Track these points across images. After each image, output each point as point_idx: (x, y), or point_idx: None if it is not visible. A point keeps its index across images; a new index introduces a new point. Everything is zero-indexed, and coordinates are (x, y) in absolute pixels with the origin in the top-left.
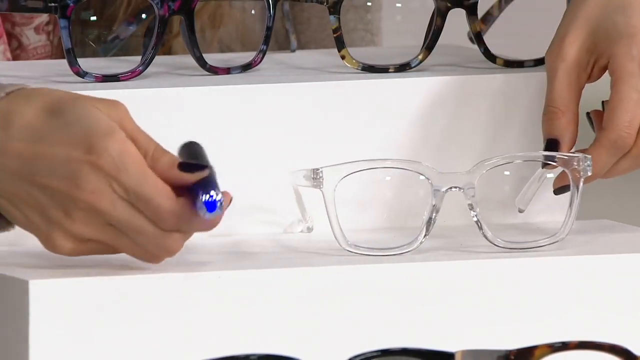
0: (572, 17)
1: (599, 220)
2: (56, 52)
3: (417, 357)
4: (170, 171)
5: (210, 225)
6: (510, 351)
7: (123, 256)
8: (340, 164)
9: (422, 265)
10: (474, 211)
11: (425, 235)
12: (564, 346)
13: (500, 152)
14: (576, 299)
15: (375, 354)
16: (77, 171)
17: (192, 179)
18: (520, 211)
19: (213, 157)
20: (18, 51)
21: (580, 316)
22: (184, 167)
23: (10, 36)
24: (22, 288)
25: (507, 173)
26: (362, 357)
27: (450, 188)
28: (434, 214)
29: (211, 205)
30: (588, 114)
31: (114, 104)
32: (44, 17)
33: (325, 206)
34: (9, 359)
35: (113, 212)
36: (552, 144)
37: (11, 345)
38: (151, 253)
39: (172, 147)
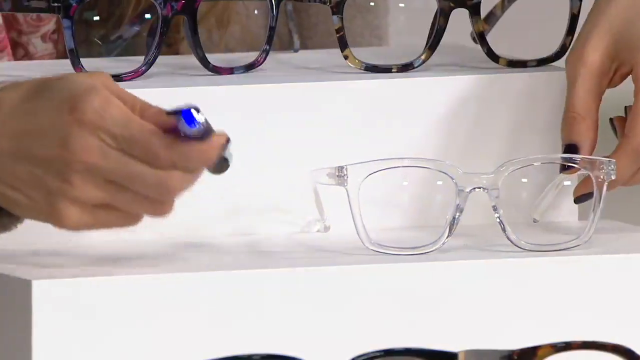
0: (595, 21)
1: (609, 221)
2: None
3: (420, 357)
4: (157, 118)
5: (203, 153)
6: (513, 351)
7: (135, 250)
8: (365, 162)
9: (444, 264)
10: (497, 212)
11: (448, 236)
12: (567, 346)
13: (516, 155)
14: (583, 299)
15: (378, 354)
16: (65, 134)
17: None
18: (535, 221)
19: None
20: (25, 59)
21: (588, 316)
22: (171, 113)
23: (17, 45)
24: (25, 288)
25: (529, 175)
26: (365, 357)
27: (474, 189)
28: (457, 214)
29: (188, 116)
30: (611, 119)
31: (97, 72)
32: (50, 25)
33: (350, 204)
34: (12, 359)
35: (107, 164)
36: (571, 149)
37: (14, 345)
38: (157, 201)
39: None
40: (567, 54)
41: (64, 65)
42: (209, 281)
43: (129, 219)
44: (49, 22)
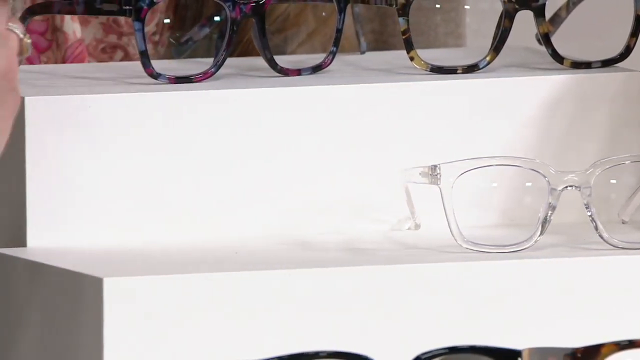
0: None
1: None
2: None
3: (485, 354)
4: None
5: None
6: (577, 349)
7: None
8: (458, 160)
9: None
10: (589, 210)
11: (540, 234)
12: (631, 344)
13: (571, 156)
14: None
15: (443, 351)
16: None
17: None
18: (624, 222)
19: (286, 156)
20: (125, 61)
21: None
22: None
23: (116, 47)
24: (96, 285)
25: (621, 173)
26: (429, 354)
27: (567, 187)
28: (549, 212)
29: None
30: None
31: None
32: (150, 27)
33: (443, 202)
34: (83, 357)
35: None
36: None
37: (85, 343)
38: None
39: (246, 148)
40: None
41: (137, 67)
42: (273, 279)
43: None
44: (150, 24)
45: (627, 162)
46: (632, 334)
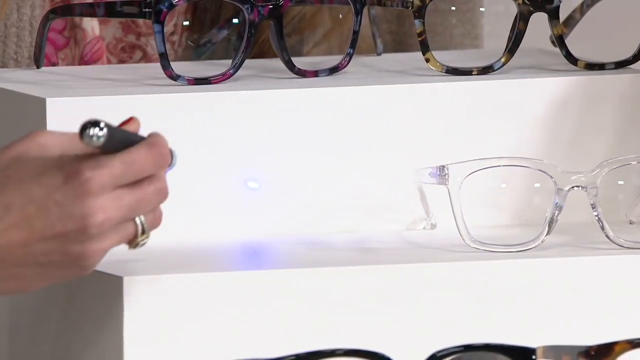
0: None
1: None
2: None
3: (499, 352)
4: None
5: (164, 148)
6: (590, 347)
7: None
8: (466, 161)
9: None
10: (596, 210)
11: (547, 234)
12: None
13: (584, 156)
14: None
15: (458, 349)
16: (71, 206)
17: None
18: (631, 222)
19: (304, 157)
20: (143, 61)
21: None
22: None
23: (135, 47)
24: (116, 284)
25: (628, 174)
26: (445, 352)
27: (573, 187)
28: (556, 212)
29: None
30: None
31: (30, 134)
32: (169, 27)
33: (451, 202)
34: (104, 356)
35: (118, 212)
36: None
37: (106, 342)
38: (157, 210)
39: (264, 148)
40: None
41: (157, 69)
42: (290, 278)
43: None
44: (168, 24)
45: (633, 163)
46: (636, 333)
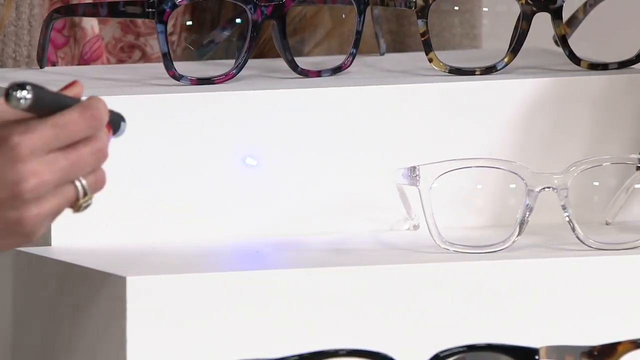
0: None
1: None
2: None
3: (502, 352)
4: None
5: (102, 109)
6: (593, 347)
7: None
8: (436, 162)
9: (515, 262)
10: (566, 212)
11: (518, 235)
12: None
13: (592, 155)
14: None
15: (461, 349)
16: (2, 174)
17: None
18: (607, 223)
19: (308, 157)
20: (142, 61)
21: None
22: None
23: (134, 47)
24: (119, 284)
25: (601, 175)
26: (448, 352)
27: (544, 188)
28: (527, 214)
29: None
30: None
31: None
32: (168, 27)
33: (422, 203)
34: (107, 356)
35: (52, 175)
36: None
37: (109, 341)
38: (98, 170)
39: (267, 148)
40: None
41: (159, 69)
42: (293, 278)
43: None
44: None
45: (605, 164)
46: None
